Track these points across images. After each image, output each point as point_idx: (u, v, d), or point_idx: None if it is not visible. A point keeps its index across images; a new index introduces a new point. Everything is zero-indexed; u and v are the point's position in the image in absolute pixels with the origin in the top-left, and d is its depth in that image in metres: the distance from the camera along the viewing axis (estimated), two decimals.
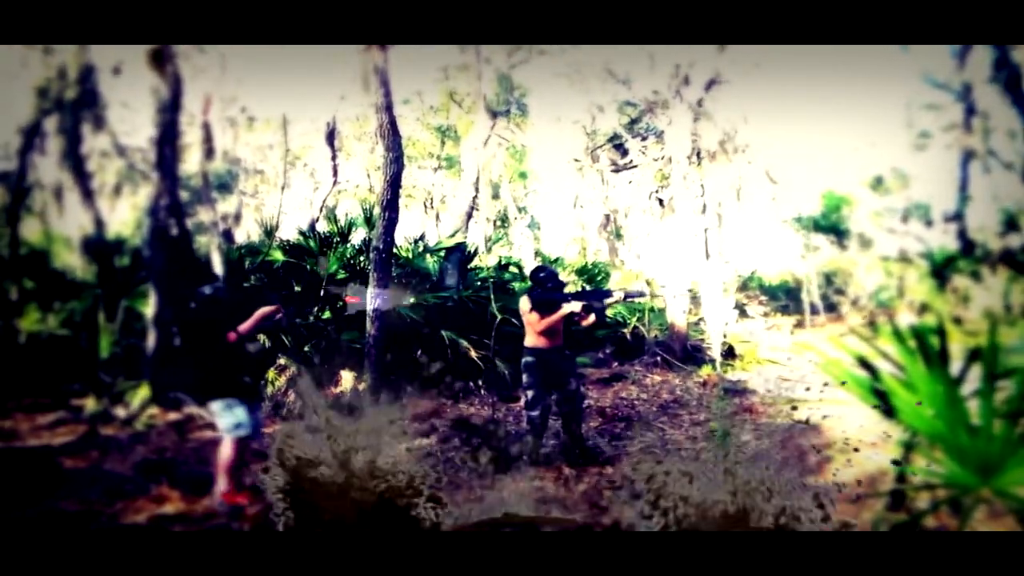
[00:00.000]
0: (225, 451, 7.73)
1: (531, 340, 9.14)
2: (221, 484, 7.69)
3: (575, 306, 9.00)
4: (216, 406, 7.77)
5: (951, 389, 3.86)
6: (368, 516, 6.34)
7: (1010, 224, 21.28)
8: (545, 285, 9.31)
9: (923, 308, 21.89)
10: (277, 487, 6.17)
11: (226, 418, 7.72)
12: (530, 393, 9.11)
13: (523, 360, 9.16)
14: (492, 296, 15.22)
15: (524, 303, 9.17)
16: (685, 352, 16.75)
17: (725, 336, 17.41)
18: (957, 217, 23.71)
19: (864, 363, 4.45)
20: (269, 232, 16.66)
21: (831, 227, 27.02)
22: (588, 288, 16.96)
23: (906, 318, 21.93)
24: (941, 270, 21.84)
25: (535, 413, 9.06)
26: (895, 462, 4.64)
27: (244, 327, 7.75)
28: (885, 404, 4.25)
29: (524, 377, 9.13)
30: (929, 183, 28.15)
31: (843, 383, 4.57)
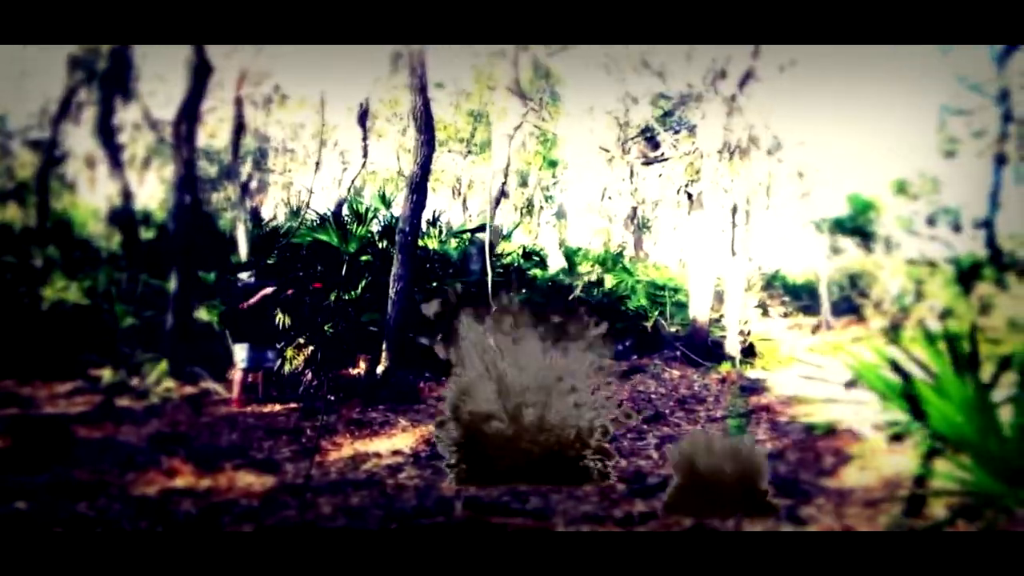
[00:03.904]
0: (236, 374, 11.58)
1: None
2: (234, 393, 11.51)
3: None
4: (234, 346, 11.59)
5: (983, 395, 3.75)
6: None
7: None
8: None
9: (945, 314, 21.71)
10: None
11: (237, 354, 11.53)
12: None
13: None
14: (513, 281, 15.21)
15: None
16: (706, 348, 16.65)
17: (747, 334, 17.32)
18: (986, 224, 23.52)
19: (896, 367, 4.37)
20: (295, 212, 16.68)
21: (857, 229, 26.84)
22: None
23: (929, 323, 21.74)
24: (967, 276, 21.66)
25: None
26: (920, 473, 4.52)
27: (250, 302, 11.64)
28: (915, 409, 4.16)
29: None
30: (960, 188, 27.93)
31: (873, 388, 4.50)
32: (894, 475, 7.83)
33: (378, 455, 8.75)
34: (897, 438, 4.97)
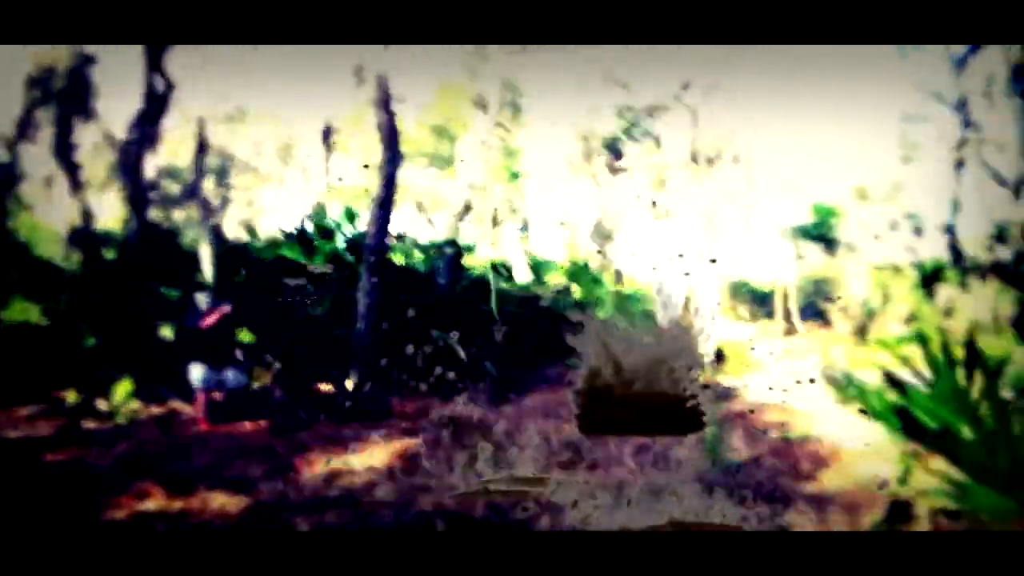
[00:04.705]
0: (198, 395, 11.40)
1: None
2: (198, 413, 11.38)
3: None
4: (190, 366, 11.41)
5: (1000, 405, 3.53)
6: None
7: (1000, 236, 21.27)
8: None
9: (911, 317, 21.83)
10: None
11: (192, 374, 11.37)
12: None
13: None
14: (494, 296, 15.17)
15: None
16: (676, 356, 16.59)
17: (714, 341, 17.30)
18: (948, 228, 23.71)
19: (891, 379, 4.25)
20: (253, 231, 16.59)
21: (821, 236, 27.00)
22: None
23: (894, 327, 21.88)
24: (930, 279, 21.81)
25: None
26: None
27: (207, 321, 11.65)
28: (910, 426, 4.01)
29: None
30: (921, 194, 28.14)
31: (863, 411, 4.39)
32: (872, 479, 7.81)
33: (352, 471, 8.62)
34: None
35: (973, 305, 19.67)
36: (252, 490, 7.63)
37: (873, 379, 4.54)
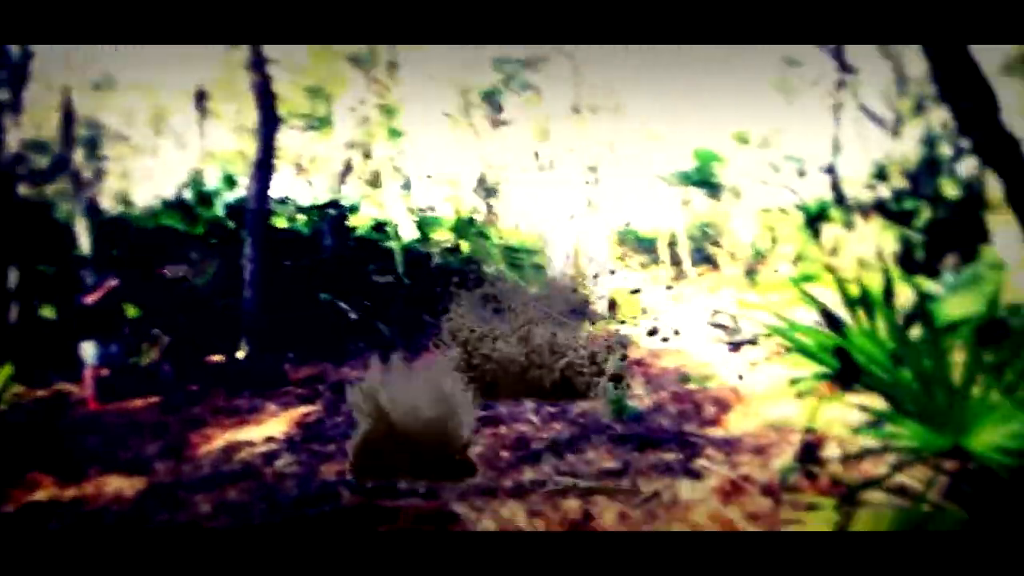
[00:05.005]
0: (87, 373, 11.02)
1: None
2: (87, 392, 11.01)
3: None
4: (81, 344, 11.08)
5: (938, 343, 3.51)
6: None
7: (880, 175, 21.70)
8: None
9: (798, 258, 22.20)
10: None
11: (84, 351, 11.03)
12: None
13: None
14: (399, 255, 15.03)
15: None
16: (568, 307, 16.59)
17: (606, 290, 17.36)
18: (829, 169, 24.12)
19: (829, 316, 4.17)
20: (129, 202, 16.11)
21: (703, 181, 27.25)
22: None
23: (783, 268, 22.23)
24: (815, 220, 22.17)
25: None
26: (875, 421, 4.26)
27: (93, 297, 11.23)
28: (847, 365, 3.94)
29: None
30: (802, 136, 28.58)
31: (795, 348, 4.30)
32: (778, 420, 7.85)
33: (251, 443, 8.38)
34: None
35: (858, 244, 20.04)
36: (148, 471, 7.36)
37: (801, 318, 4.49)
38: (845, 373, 3.87)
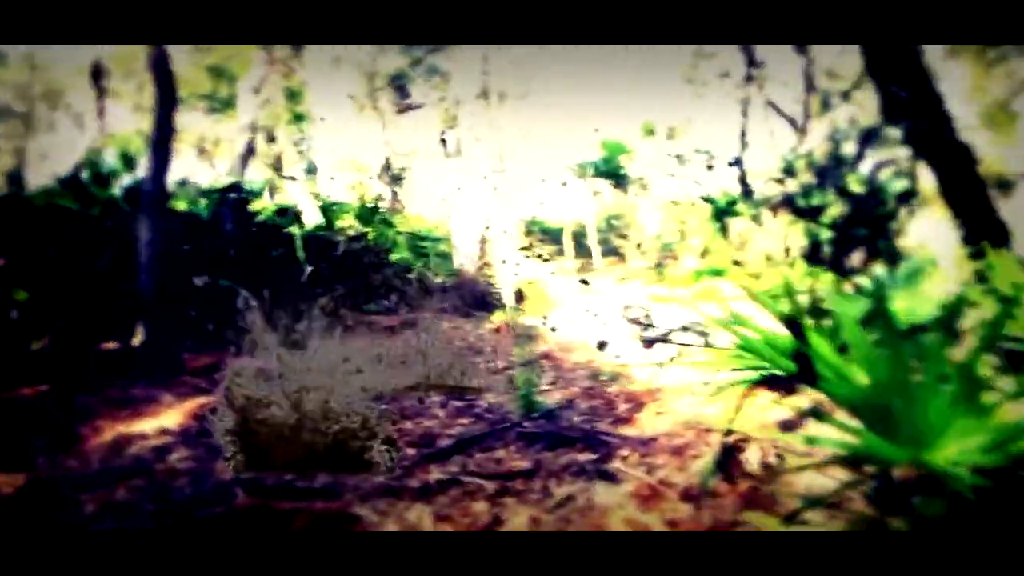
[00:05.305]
0: None
1: None
2: None
3: None
4: None
5: (898, 349, 3.28)
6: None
7: (788, 170, 21.87)
8: None
9: (705, 252, 22.27)
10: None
11: None
12: None
13: None
14: (299, 241, 14.68)
15: None
16: (475, 297, 16.41)
17: (514, 280, 17.18)
18: (736, 162, 24.28)
19: (791, 322, 3.95)
20: (19, 180, 15.55)
21: (611, 172, 27.26)
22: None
23: (691, 262, 22.29)
24: (722, 214, 22.27)
25: None
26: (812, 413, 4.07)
27: None
28: (806, 369, 3.74)
29: None
30: (711, 129, 28.73)
31: (745, 347, 4.08)
32: (693, 419, 7.67)
33: (143, 436, 7.98)
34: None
35: (765, 238, 20.14)
36: (31, 466, 6.94)
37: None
38: (804, 376, 3.67)
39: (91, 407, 9.25)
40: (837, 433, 3.38)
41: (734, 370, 4.45)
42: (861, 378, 3.36)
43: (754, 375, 4.01)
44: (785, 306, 3.85)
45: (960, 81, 20.76)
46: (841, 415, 3.60)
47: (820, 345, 3.54)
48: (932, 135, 6.54)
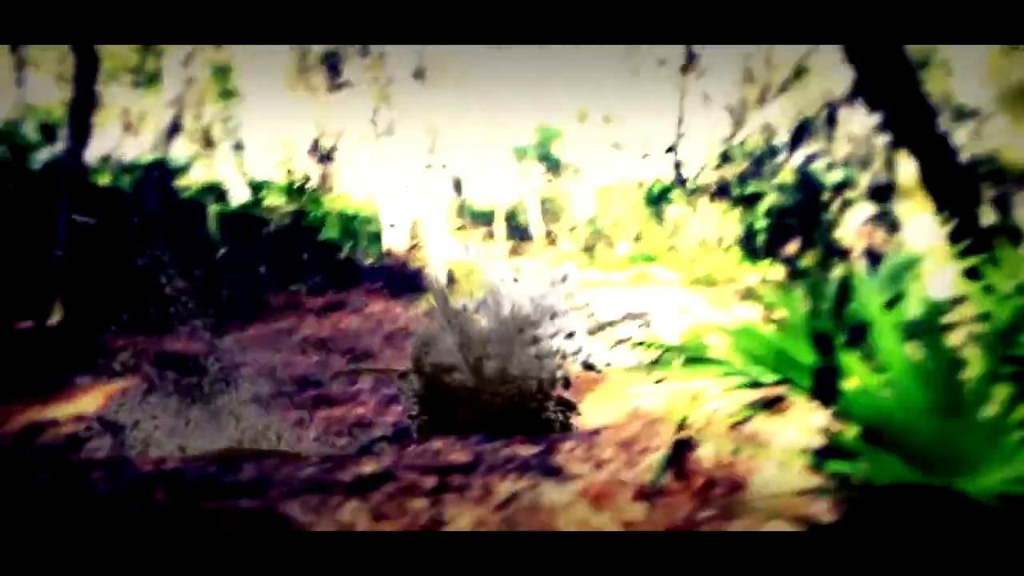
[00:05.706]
0: None
1: None
2: None
3: None
4: None
5: (951, 369, 2.88)
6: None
7: (725, 157, 21.89)
8: None
9: (638, 237, 22.24)
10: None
11: None
12: None
13: None
14: (216, 224, 14.31)
15: None
16: (406, 279, 16.16)
17: (444, 263, 17.01)
18: (671, 149, 24.30)
19: (820, 337, 3.59)
20: None
21: (545, 157, 27.22)
22: None
23: (623, 246, 22.25)
24: (657, 200, 22.25)
25: None
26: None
27: None
28: (826, 388, 3.39)
29: None
30: (647, 116, 28.73)
31: (742, 352, 3.74)
32: (640, 409, 7.42)
33: (56, 423, 7.57)
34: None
35: (700, 225, 20.13)
36: None
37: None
38: (821, 392, 3.33)
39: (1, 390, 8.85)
40: (849, 458, 3.08)
41: (725, 375, 4.15)
42: (892, 397, 3.03)
43: (739, 381, 3.70)
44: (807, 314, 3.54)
45: (975, 66, 20.43)
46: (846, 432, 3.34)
47: (852, 362, 3.16)
48: (911, 122, 6.37)
